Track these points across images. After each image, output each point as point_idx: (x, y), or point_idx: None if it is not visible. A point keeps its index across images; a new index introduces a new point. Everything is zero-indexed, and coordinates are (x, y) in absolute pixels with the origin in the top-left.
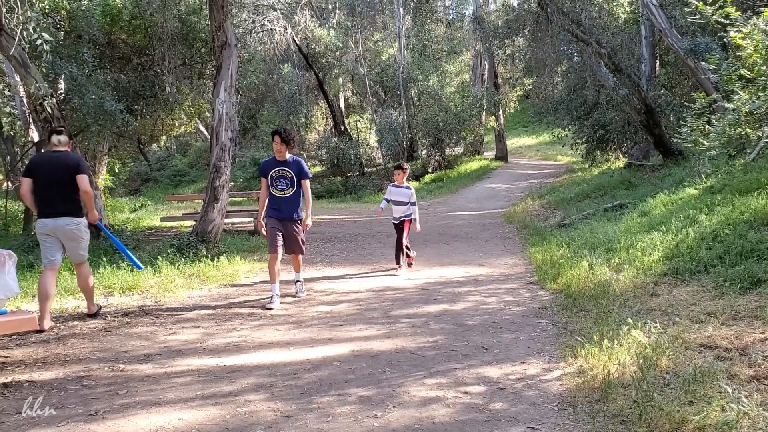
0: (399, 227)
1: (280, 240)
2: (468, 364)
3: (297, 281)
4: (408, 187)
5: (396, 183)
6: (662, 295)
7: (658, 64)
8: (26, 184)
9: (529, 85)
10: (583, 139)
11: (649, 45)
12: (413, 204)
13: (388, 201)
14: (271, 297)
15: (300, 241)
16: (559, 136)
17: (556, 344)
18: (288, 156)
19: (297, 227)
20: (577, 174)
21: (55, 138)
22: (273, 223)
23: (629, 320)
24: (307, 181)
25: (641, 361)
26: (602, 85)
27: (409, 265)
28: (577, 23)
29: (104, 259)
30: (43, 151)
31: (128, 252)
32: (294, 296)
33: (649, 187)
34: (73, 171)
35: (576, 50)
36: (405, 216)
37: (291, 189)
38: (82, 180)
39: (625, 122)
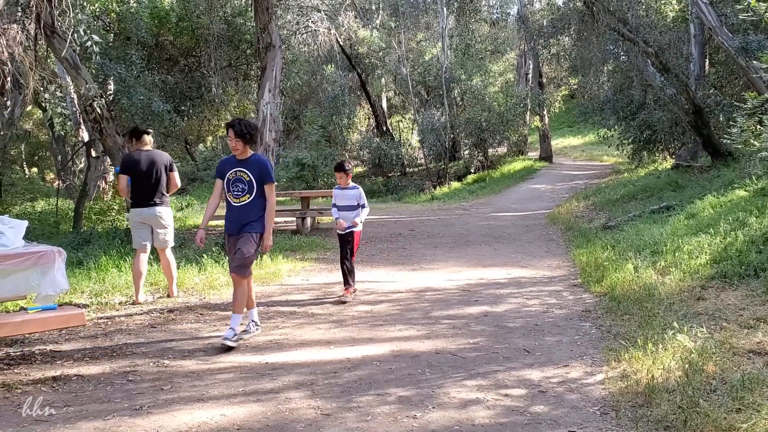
0: (345, 239)
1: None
2: (509, 367)
3: (230, 328)
4: (354, 187)
5: (340, 185)
6: (709, 299)
7: (707, 63)
8: (123, 180)
9: (574, 84)
10: (630, 140)
11: (698, 44)
12: (363, 206)
13: (336, 206)
14: (248, 324)
15: (244, 257)
16: (605, 136)
17: (600, 348)
18: (250, 154)
19: (245, 240)
20: (623, 175)
21: (145, 138)
22: (229, 239)
23: (675, 324)
24: (271, 187)
25: (687, 366)
26: (649, 84)
27: (343, 296)
28: (623, 22)
29: (151, 256)
30: (128, 150)
31: None
32: (232, 339)
33: (697, 189)
34: (167, 168)
35: (622, 49)
36: (353, 226)
37: (247, 195)
38: (174, 176)
39: (673, 122)
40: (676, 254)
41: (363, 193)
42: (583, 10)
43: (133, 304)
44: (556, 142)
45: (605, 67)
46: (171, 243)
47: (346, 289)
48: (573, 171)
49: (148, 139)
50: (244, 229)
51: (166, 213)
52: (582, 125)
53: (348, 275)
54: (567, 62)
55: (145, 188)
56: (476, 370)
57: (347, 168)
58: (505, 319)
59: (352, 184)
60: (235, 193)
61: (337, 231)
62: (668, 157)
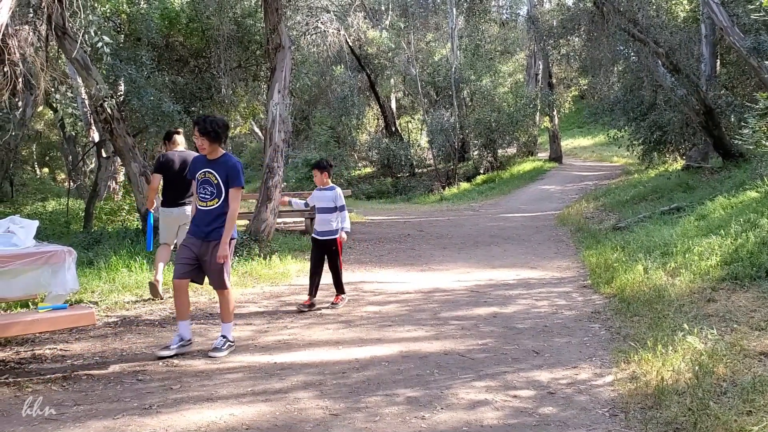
0: (322, 246)
1: (188, 263)
2: (518, 368)
3: (222, 335)
4: (332, 188)
5: (318, 186)
6: (720, 301)
7: (718, 63)
8: (156, 179)
9: (584, 85)
10: (640, 141)
11: (709, 44)
12: (341, 209)
13: (307, 206)
14: (175, 338)
15: (221, 271)
16: (615, 137)
17: (609, 349)
18: (220, 154)
19: (214, 254)
20: (633, 176)
21: (176, 138)
22: (188, 241)
23: (685, 326)
24: (237, 192)
25: (697, 368)
26: (660, 85)
27: (333, 304)
28: (633, 22)
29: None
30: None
31: (151, 234)
32: (211, 353)
33: (707, 190)
34: None
35: (633, 50)
36: (331, 231)
37: (216, 200)
38: None
39: (684, 123)
40: (687, 256)
41: (341, 195)
42: (593, 10)
43: (151, 286)
44: (566, 143)
45: (615, 68)
46: (175, 239)
47: (337, 296)
48: (583, 172)
49: (179, 139)
50: (212, 236)
51: (183, 213)
52: (592, 126)
53: (341, 277)
54: (577, 63)
55: (176, 188)
56: (485, 371)
57: (325, 165)
58: (514, 320)
59: (330, 184)
60: (202, 195)
61: (313, 236)
62: (679, 158)
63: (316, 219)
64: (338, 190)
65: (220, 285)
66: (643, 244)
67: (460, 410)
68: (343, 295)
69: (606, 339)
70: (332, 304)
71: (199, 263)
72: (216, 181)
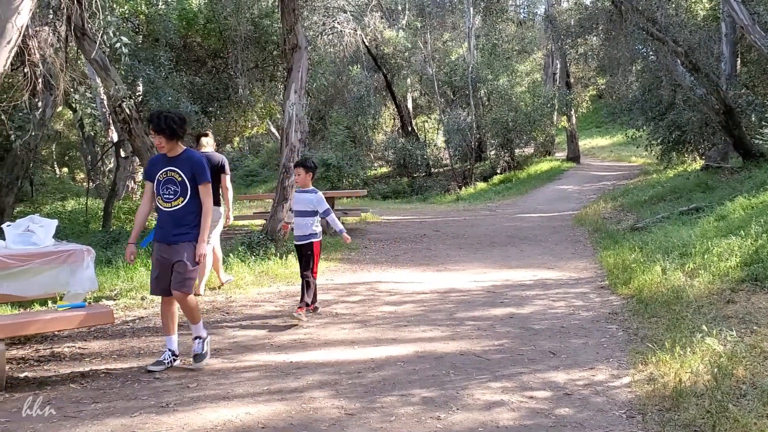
0: (302, 251)
1: (165, 277)
2: (534, 369)
3: (196, 337)
4: (313, 191)
5: (299, 187)
6: (739, 303)
7: (738, 62)
8: None
9: (602, 84)
10: (658, 140)
11: (729, 43)
12: (325, 213)
13: (291, 211)
14: (162, 355)
15: (185, 272)
16: (633, 137)
17: (626, 350)
18: (180, 150)
19: (181, 254)
20: (652, 176)
21: (203, 140)
22: (158, 250)
23: (703, 327)
24: (207, 188)
25: (716, 370)
26: (679, 84)
27: (314, 309)
28: (652, 21)
29: None
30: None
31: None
32: (191, 362)
33: (727, 190)
34: (219, 170)
35: (651, 49)
36: (310, 234)
37: (180, 199)
38: (225, 178)
39: (703, 123)
40: (706, 256)
41: (323, 199)
42: (612, 9)
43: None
44: (584, 143)
45: (633, 67)
46: (217, 238)
47: (299, 306)
48: (601, 172)
49: (204, 141)
50: (181, 238)
51: (216, 212)
52: (610, 125)
53: (306, 291)
54: (595, 62)
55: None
56: (501, 372)
57: (311, 165)
58: (530, 321)
59: (311, 187)
60: (166, 196)
61: (294, 242)
62: (698, 158)
63: (294, 223)
64: (320, 194)
65: (181, 287)
66: (661, 245)
67: (475, 411)
68: (308, 309)
69: (623, 340)
70: (294, 313)
71: (166, 271)
72: (180, 179)
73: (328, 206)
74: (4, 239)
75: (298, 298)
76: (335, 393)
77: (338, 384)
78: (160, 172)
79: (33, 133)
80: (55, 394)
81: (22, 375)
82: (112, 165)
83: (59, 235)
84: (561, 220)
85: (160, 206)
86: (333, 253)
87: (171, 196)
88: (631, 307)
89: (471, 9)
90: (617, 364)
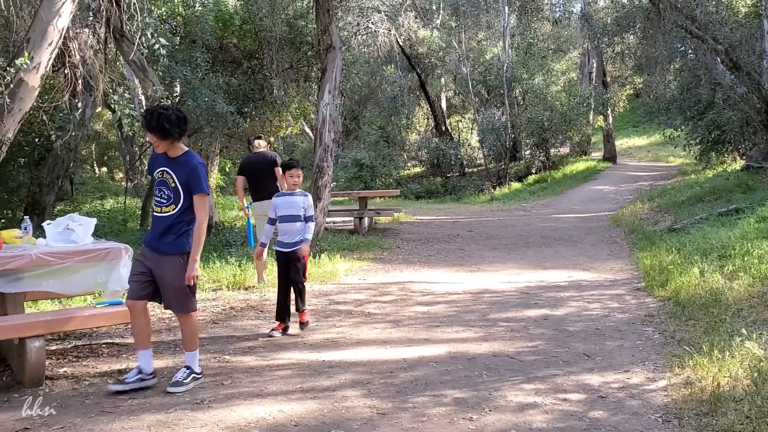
0: (288, 261)
1: (143, 280)
2: (568, 371)
3: (184, 367)
4: (303, 193)
5: (284, 191)
6: None
7: None
8: (240, 180)
9: (639, 83)
10: (697, 140)
11: None
12: (310, 218)
13: (274, 222)
14: (134, 370)
15: (180, 292)
16: (671, 136)
17: (662, 353)
18: (180, 152)
19: (165, 270)
20: (690, 176)
21: (256, 142)
22: (141, 253)
23: (743, 331)
24: (203, 199)
25: (755, 374)
26: (718, 83)
27: (303, 324)
28: (691, 19)
29: (214, 254)
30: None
31: (251, 233)
32: (169, 388)
33: None
34: (272, 165)
35: (690, 47)
36: (301, 241)
37: (172, 206)
38: (278, 171)
39: (744, 122)
40: (746, 259)
41: (311, 201)
42: (649, 7)
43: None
44: (621, 143)
45: (672, 66)
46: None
47: (302, 311)
48: (637, 172)
49: (257, 143)
50: (168, 249)
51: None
52: (647, 125)
53: (300, 297)
54: (632, 61)
55: (257, 185)
56: (534, 374)
57: (297, 165)
58: (565, 323)
59: (299, 190)
60: (158, 200)
61: (278, 249)
62: (738, 158)
63: (279, 228)
64: (309, 196)
65: (181, 308)
66: (699, 246)
67: (508, 412)
68: (305, 311)
69: (659, 343)
70: (300, 324)
71: (154, 278)
72: (173, 184)
73: (313, 211)
74: (44, 237)
75: (332, 297)
76: (367, 392)
77: (370, 383)
78: (156, 170)
79: (73, 133)
80: (92, 390)
81: (61, 370)
82: None
83: (98, 233)
84: (597, 220)
85: (153, 210)
86: (365, 252)
87: (163, 201)
88: (667, 309)
89: (506, 8)
90: (653, 367)
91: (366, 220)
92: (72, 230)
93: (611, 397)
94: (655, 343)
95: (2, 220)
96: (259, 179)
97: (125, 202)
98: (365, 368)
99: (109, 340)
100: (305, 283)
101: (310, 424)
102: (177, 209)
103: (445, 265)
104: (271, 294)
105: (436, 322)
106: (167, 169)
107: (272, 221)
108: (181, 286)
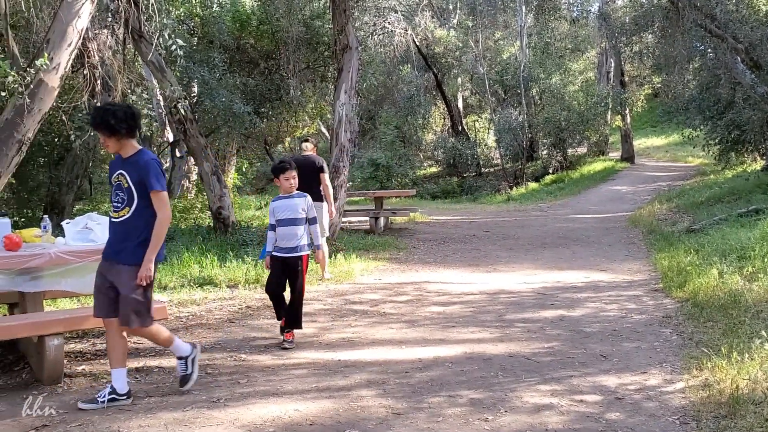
0: (288, 266)
1: (106, 294)
2: (584, 372)
3: (178, 357)
4: (301, 195)
5: (281, 194)
6: None
7: None
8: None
9: (657, 83)
10: (716, 140)
11: None
12: (313, 220)
13: (274, 228)
14: (106, 389)
15: (129, 306)
16: (690, 136)
17: (680, 355)
18: (132, 151)
19: (118, 280)
20: (709, 177)
21: (304, 145)
22: (101, 267)
23: (763, 333)
24: (159, 196)
25: None
26: (738, 82)
27: (286, 343)
28: (711, 18)
29: (231, 253)
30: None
31: None
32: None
33: None
34: (318, 169)
35: (709, 46)
36: (298, 248)
37: (126, 209)
38: (324, 177)
39: (764, 122)
40: (766, 260)
41: (311, 203)
42: (668, 6)
43: (320, 279)
44: (639, 143)
45: (691, 65)
46: (325, 231)
47: (287, 332)
48: (656, 172)
49: (305, 145)
50: (120, 257)
51: (317, 207)
52: (666, 125)
53: (297, 311)
54: (650, 60)
55: (301, 186)
56: (550, 375)
57: (289, 166)
58: (581, 324)
59: (296, 191)
60: (115, 204)
61: (275, 254)
62: (758, 158)
63: (278, 233)
64: (308, 198)
65: (137, 323)
66: (718, 247)
67: (524, 413)
68: (296, 331)
69: (677, 344)
70: (284, 341)
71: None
72: (127, 185)
73: (315, 213)
74: (63, 236)
75: (347, 297)
76: (383, 392)
77: (386, 383)
78: (114, 175)
79: (92, 134)
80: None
81: (79, 368)
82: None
83: None
84: (614, 221)
85: (111, 215)
86: (381, 252)
87: (119, 205)
88: (685, 310)
89: (523, 7)
90: (671, 368)
91: (382, 220)
92: (90, 229)
93: (628, 398)
94: (672, 344)
95: (22, 219)
96: (304, 181)
97: None
98: (381, 368)
99: (127, 339)
100: (303, 297)
101: (325, 424)
102: (131, 212)
103: (461, 266)
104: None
105: (452, 322)
106: (122, 171)
107: (272, 227)
108: (139, 300)
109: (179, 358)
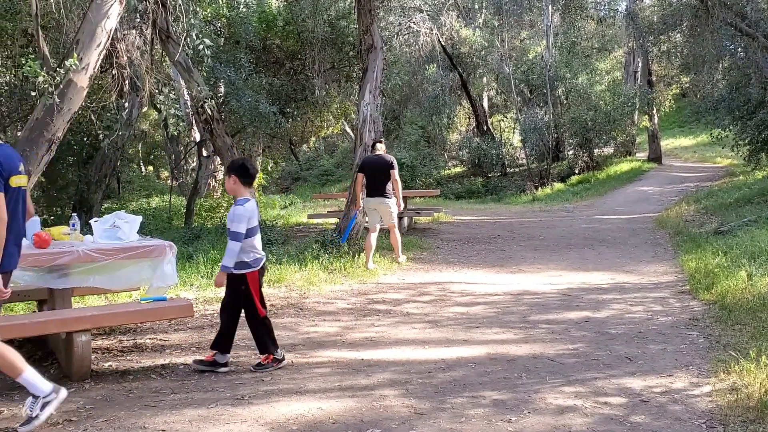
0: (234, 285)
1: None
2: (609, 374)
3: (30, 398)
4: (244, 201)
5: (242, 197)
6: None
7: None
8: (360, 177)
9: (686, 83)
10: (746, 141)
11: None
12: (234, 236)
13: (245, 238)
14: (28, 401)
15: None
16: (719, 137)
17: (707, 358)
18: None
19: None
20: (738, 178)
21: (377, 146)
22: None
23: None
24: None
25: None
26: None
27: (259, 366)
28: (741, 16)
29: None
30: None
31: (350, 229)
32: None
33: None
34: (389, 167)
35: (740, 45)
36: (239, 264)
37: None
38: (394, 173)
39: None
40: None
41: (242, 216)
42: (697, 4)
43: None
44: (666, 143)
45: (720, 64)
46: (395, 222)
47: (269, 353)
48: (683, 173)
49: (378, 146)
50: None
51: (386, 201)
52: (694, 125)
53: (264, 336)
54: (678, 59)
55: (372, 183)
56: (575, 377)
57: (231, 167)
58: (606, 326)
59: (245, 196)
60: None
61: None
62: None
63: (255, 243)
64: (253, 201)
65: None
66: (747, 249)
67: (547, 415)
68: (275, 355)
69: (704, 347)
70: (258, 365)
71: None
72: None
73: (241, 230)
74: (91, 234)
75: (370, 296)
76: (405, 392)
77: (408, 383)
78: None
79: (120, 133)
80: (136, 384)
81: (106, 365)
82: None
83: (143, 230)
84: (641, 222)
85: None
86: (405, 252)
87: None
88: (713, 313)
89: (549, 6)
90: (697, 371)
91: (405, 220)
92: (118, 227)
93: (653, 401)
94: (699, 347)
95: (51, 218)
96: (379, 178)
97: (170, 200)
98: (403, 368)
99: (153, 336)
100: (263, 318)
101: (348, 422)
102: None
103: (485, 266)
104: (311, 292)
105: (476, 323)
106: None
107: (245, 235)
108: None
109: (33, 396)
